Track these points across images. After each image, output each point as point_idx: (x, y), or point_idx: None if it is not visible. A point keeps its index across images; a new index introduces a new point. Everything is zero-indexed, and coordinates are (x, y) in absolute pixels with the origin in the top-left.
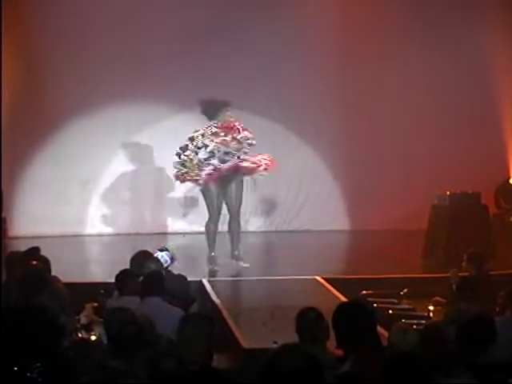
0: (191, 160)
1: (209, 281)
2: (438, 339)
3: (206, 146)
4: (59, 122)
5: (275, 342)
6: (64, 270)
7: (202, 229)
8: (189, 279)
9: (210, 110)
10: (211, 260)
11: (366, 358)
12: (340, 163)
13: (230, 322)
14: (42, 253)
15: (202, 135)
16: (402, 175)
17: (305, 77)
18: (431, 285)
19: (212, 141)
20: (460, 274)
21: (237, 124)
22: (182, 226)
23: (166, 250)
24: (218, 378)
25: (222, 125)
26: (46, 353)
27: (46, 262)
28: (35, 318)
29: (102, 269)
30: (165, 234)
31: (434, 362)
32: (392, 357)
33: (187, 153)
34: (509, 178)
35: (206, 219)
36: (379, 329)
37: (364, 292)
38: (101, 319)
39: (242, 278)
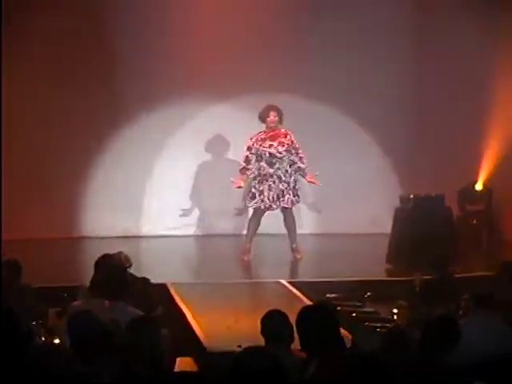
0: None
1: (173, 284)
2: (402, 342)
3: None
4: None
5: (239, 346)
6: None
7: (175, 232)
8: (153, 282)
9: (261, 114)
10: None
11: (330, 360)
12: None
13: (194, 325)
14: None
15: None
16: (365, 178)
17: None
18: (395, 288)
19: (260, 146)
20: (423, 277)
21: (282, 129)
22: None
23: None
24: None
25: (268, 131)
26: (12, 358)
27: (8, 266)
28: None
29: None
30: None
31: (397, 364)
32: (354, 358)
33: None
34: (475, 182)
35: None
36: (343, 331)
37: (328, 295)
38: (63, 323)
39: (206, 282)
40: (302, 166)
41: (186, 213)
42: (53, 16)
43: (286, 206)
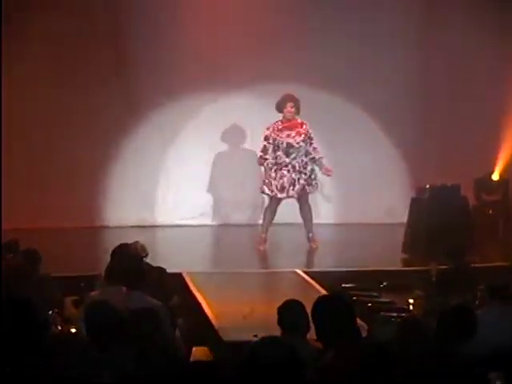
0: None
1: (188, 273)
2: (417, 332)
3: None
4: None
5: (255, 335)
6: None
7: (189, 222)
8: (169, 271)
9: (278, 105)
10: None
11: (346, 350)
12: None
13: (210, 314)
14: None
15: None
16: (379, 168)
17: None
18: (411, 278)
19: (278, 136)
20: (440, 267)
21: (298, 120)
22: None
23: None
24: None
25: (284, 121)
26: (29, 347)
27: (27, 256)
28: (16, 313)
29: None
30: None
31: (413, 354)
32: (369, 348)
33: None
34: (492, 172)
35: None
36: (359, 321)
37: (344, 285)
38: (80, 312)
39: (222, 271)
40: (316, 156)
41: (201, 203)
42: (53, 16)
43: (293, 195)
